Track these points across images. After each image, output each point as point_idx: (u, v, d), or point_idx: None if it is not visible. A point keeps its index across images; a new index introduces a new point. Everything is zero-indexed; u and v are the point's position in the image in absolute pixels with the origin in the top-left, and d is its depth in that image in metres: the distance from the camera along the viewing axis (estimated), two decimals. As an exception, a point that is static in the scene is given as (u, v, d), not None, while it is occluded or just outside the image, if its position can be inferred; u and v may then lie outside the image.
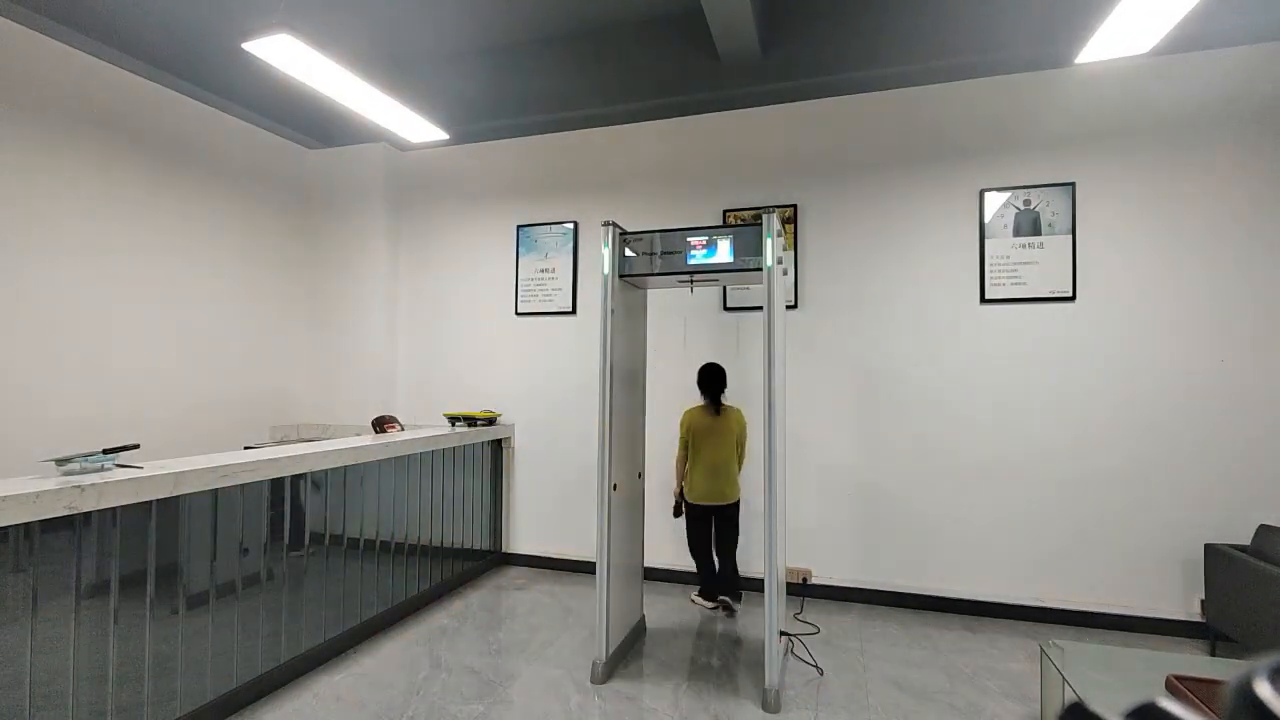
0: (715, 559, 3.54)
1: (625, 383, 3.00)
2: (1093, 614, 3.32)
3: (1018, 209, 3.48)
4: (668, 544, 3.92)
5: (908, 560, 3.62)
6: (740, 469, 3.47)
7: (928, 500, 3.59)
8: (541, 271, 4.37)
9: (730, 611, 3.50)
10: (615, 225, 2.87)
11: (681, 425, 3.51)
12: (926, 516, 3.59)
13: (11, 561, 1.75)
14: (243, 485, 2.42)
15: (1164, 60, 3.26)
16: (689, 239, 2.81)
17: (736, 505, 3.46)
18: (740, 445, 3.46)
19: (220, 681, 2.33)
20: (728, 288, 3.94)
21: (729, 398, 3.50)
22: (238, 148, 4.26)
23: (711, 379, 3.43)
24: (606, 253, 2.84)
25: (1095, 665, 2.14)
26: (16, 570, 1.76)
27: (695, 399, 3.63)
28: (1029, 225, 3.46)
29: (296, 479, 2.72)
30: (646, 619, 3.36)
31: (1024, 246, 3.47)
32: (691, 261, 2.80)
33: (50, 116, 3.23)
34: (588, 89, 3.87)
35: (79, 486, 1.83)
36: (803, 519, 3.75)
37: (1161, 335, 3.28)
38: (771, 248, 2.63)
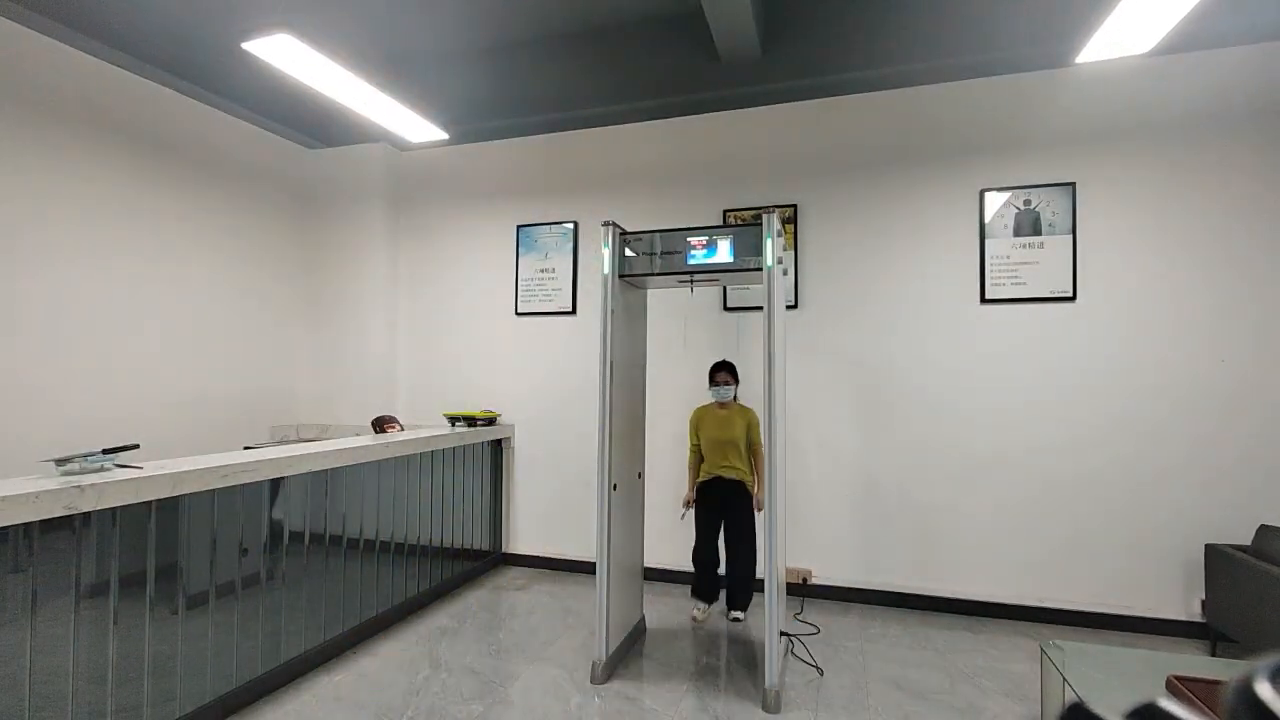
0: (722, 561, 3.49)
1: (625, 383, 3.00)
2: (1093, 614, 3.31)
3: (1018, 209, 3.48)
4: (668, 544, 3.92)
5: (908, 561, 3.62)
6: (756, 469, 3.40)
7: (928, 500, 3.59)
8: (541, 271, 4.37)
9: (734, 617, 3.41)
10: (615, 225, 2.87)
11: (690, 424, 3.54)
12: (927, 517, 3.59)
13: (11, 561, 1.75)
14: (242, 485, 2.42)
15: (1164, 60, 3.25)
16: (689, 239, 2.81)
17: (746, 491, 3.37)
18: (752, 441, 3.39)
19: (220, 682, 2.33)
20: (728, 288, 3.94)
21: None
22: (237, 148, 4.26)
23: (718, 374, 3.42)
24: (606, 253, 2.84)
25: (1096, 665, 2.14)
26: (16, 570, 1.76)
27: (693, 399, 3.63)
28: (1029, 225, 3.46)
29: (296, 479, 2.71)
30: (646, 619, 3.36)
31: (1024, 246, 3.47)
32: (691, 261, 2.80)
33: (47, 116, 3.23)
34: (588, 89, 3.87)
35: (78, 486, 1.83)
36: (803, 519, 3.75)
37: (1162, 334, 3.28)
38: (772, 248, 2.63)
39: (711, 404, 3.47)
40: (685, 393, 3.93)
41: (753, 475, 3.41)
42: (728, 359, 3.54)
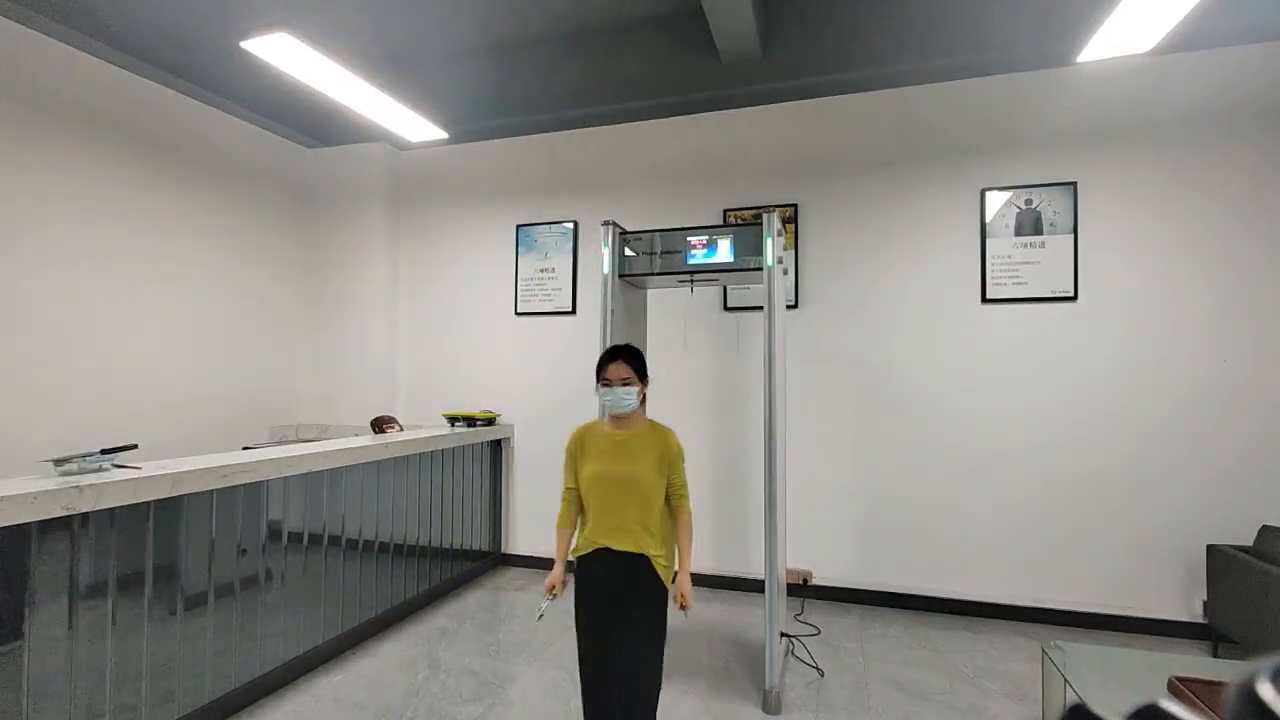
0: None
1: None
2: (1094, 615, 3.31)
3: (1019, 208, 3.48)
4: (668, 544, 3.91)
5: (908, 561, 3.61)
6: (678, 537, 2.01)
7: (928, 501, 3.58)
8: (541, 271, 4.37)
9: None
10: (615, 225, 2.86)
11: (566, 453, 2.03)
12: (927, 517, 3.58)
13: (9, 562, 1.75)
14: (241, 486, 2.42)
15: (1165, 59, 3.25)
16: (689, 239, 2.81)
17: (652, 574, 1.89)
18: (672, 486, 1.98)
19: (219, 682, 2.33)
20: (728, 287, 3.93)
21: (670, 410, 2.35)
22: (237, 147, 4.26)
23: (609, 366, 1.95)
24: (606, 252, 2.84)
25: (1097, 666, 2.13)
26: (14, 571, 1.76)
27: (693, 401, 3.59)
28: (1030, 225, 3.46)
29: (295, 479, 2.71)
30: (646, 619, 3.34)
31: (1025, 246, 3.46)
32: (691, 261, 2.79)
33: (47, 116, 3.23)
34: (588, 88, 3.87)
35: (77, 487, 1.83)
36: (803, 520, 3.74)
37: (1163, 334, 3.27)
38: (772, 247, 2.62)
39: (602, 420, 2.06)
40: (685, 394, 3.93)
41: (670, 549, 1.99)
42: (631, 343, 2.19)
